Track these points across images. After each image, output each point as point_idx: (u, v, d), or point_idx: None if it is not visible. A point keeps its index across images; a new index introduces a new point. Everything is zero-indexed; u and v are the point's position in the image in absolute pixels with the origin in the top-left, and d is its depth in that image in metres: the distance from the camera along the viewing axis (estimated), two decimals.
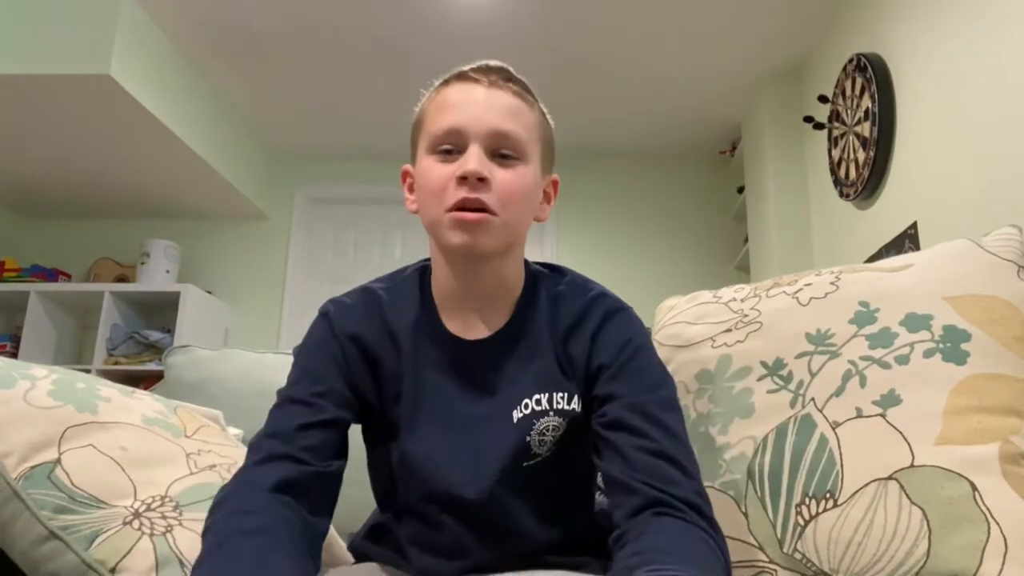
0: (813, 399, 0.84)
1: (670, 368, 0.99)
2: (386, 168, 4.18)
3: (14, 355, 3.68)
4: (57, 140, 3.34)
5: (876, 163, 2.47)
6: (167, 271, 3.85)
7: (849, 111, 2.69)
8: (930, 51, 2.23)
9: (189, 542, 0.76)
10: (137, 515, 0.77)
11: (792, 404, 0.86)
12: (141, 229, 4.19)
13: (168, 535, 0.76)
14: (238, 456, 0.96)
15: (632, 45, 3.21)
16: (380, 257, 4.28)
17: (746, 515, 0.84)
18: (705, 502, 0.72)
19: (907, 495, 0.75)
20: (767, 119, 3.34)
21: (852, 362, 0.84)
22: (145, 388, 1.22)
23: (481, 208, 0.76)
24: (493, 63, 0.83)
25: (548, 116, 0.88)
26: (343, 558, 0.92)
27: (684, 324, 1.02)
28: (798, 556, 0.79)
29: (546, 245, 4.13)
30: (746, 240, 3.66)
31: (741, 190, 3.74)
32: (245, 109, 3.80)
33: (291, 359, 0.85)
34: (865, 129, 2.55)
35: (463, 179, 0.76)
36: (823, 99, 2.84)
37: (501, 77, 0.81)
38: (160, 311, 3.92)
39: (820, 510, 0.79)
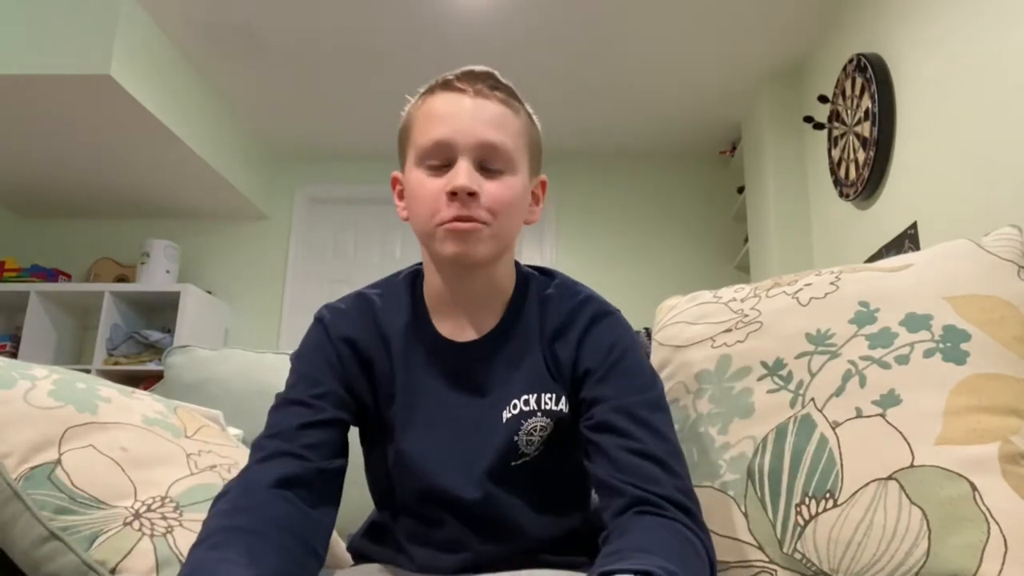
0: (813, 399, 0.84)
1: (670, 368, 0.99)
2: (386, 168, 4.17)
3: (14, 355, 3.68)
4: (57, 140, 3.34)
5: (876, 163, 2.47)
6: (167, 271, 3.85)
7: (849, 111, 2.69)
8: (930, 51, 2.23)
9: (189, 543, 0.76)
10: (137, 516, 0.77)
11: (792, 404, 0.86)
12: (141, 229, 4.19)
13: (168, 536, 0.76)
14: (238, 456, 0.96)
15: (632, 45, 3.21)
16: (380, 257, 4.28)
17: (746, 515, 0.84)
18: (690, 499, 0.73)
19: (907, 495, 0.75)
20: (767, 119, 3.34)
21: (852, 362, 0.84)
22: (145, 388, 1.22)
23: (471, 220, 0.77)
24: (478, 69, 0.83)
25: (534, 118, 0.88)
26: (343, 559, 0.92)
27: (684, 324, 1.02)
28: (798, 556, 0.79)
29: (546, 245, 4.12)
30: (746, 240, 3.66)
31: (741, 190, 3.74)
32: (245, 109, 3.80)
33: (289, 359, 0.86)
34: (865, 129, 2.55)
35: (453, 195, 0.77)
36: (823, 99, 2.84)
37: (487, 85, 0.81)
38: (160, 311, 3.92)
39: (820, 510, 0.79)
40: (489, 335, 0.86)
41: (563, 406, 0.83)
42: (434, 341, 0.86)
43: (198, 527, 0.71)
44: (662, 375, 0.95)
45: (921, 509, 0.74)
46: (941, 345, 0.81)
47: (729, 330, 0.96)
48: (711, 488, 0.87)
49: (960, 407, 0.78)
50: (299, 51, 3.29)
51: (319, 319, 0.88)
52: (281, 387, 0.83)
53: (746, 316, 0.96)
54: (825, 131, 2.90)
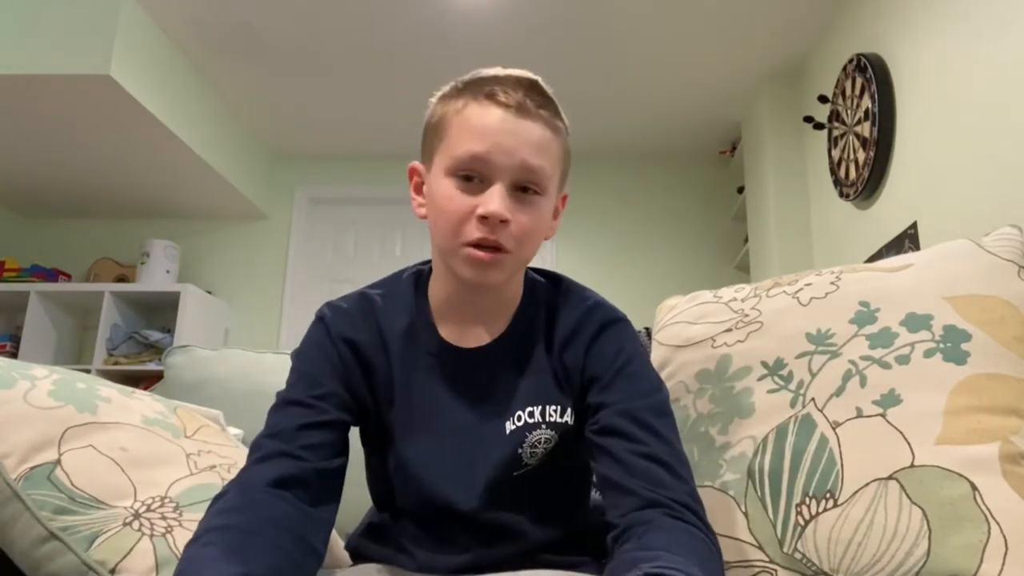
0: (813, 399, 0.84)
1: (670, 368, 0.99)
2: (386, 168, 4.18)
3: (14, 355, 3.68)
4: (57, 140, 3.34)
5: (876, 163, 2.47)
6: (167, 271, 3.85)
7: (849, 111, 2.69)
8: (930, 51, 2.23)
9: (183, 547, 0.76)
10: (137, 516, 0.77)
11: (792, 404, 0.86)
12: (141, 229, 4.19)
13: (168, 536, 0.76)
14: (238, 456, 0.96)
15: (632, 45, 3.21)
16: (380, 257, 4.28)
17: (746, 515, 0.84)
18: (698, 503, 0.73)
19: (907, 495, 0.75)
20: (767, 119, 3.34)
21: (852, 362, 0.84)
22: (145, 388, 1.22)
23: (497, 247, 0.76)
24: (523, 76, 0.79)
25: (569, 130, 0.84)
26: (342, 559, 0.92)
27: (684, 324, 1.02)
28: (798, 556, 0.79)
29: (546, 245, 4.12)
30: (746, 240, 3.66)
31: (741, 190, 3.74)
32: (245, 109, 3.80)
33: (290, 357, 0.86)
34: (865, 129, 2.55)
35: (484, 218, 0.75)
36: (823, 99, 2.84)
37: (533, 102, 0.77)
38: (160, 311, 3.92)
39: (820, 510, 0.79)
40: (494, 343, 0.84)
41: (568, 418, 0.82)
42: (437, 345, 0.85)
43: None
44: (662, 375, 0.95)
45: (921, 509, 0.73)
46: (941, 345, 0.81)
47: (729, 330, 0.96)
48: (711, 488, 0.87)
49: (960, 407, 0.77)
50: (299, 51, 3.29)
51: (320, 318, 0.86)
52: (281, 387, 0.83)
53: (746, 316, 0.96)
54: (825, 131, 2.90)
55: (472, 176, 0.76)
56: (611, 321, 0.84)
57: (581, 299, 0.86)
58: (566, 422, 0.82)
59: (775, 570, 0.81)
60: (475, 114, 0.77)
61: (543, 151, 0.77)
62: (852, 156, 2.66)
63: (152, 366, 3.62)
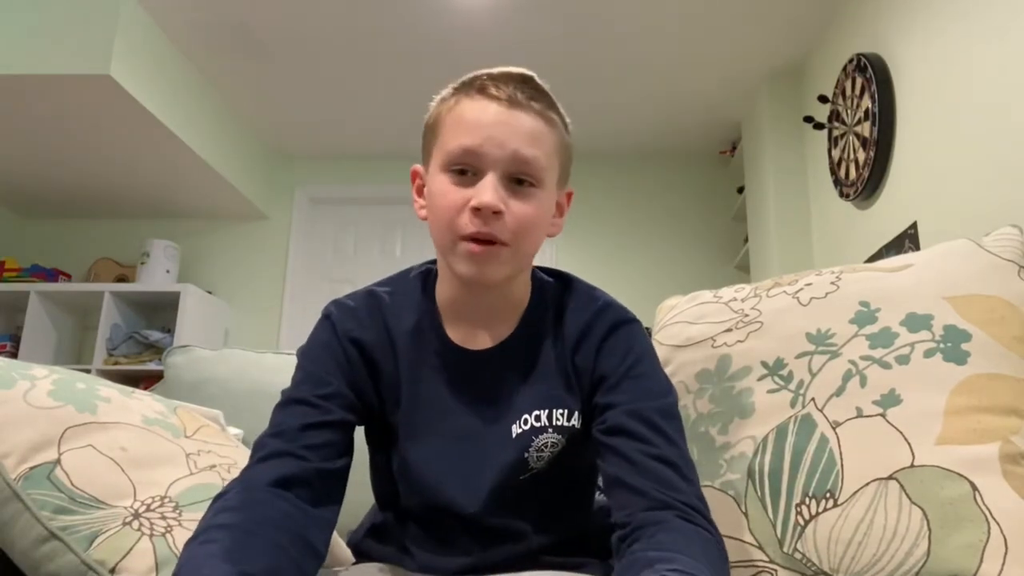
0: (813, 399, 0.84)
1: (670, 368, 0.99)
2: (386, 168, 4.18)
3: (14, 355, 3.68)
4: (57, 140, 3.34)
5: (876, 163, 2.47)
6: (167, 271, 3.85)
7: (849, 111, 2.69)
8: (930, 51, 2.23)
9: (183, 545, 0.76)
10: (137, 515, 0.77)
11: (792, 404, 0.86)
12: (141, 229, 4.19)
13: (168, 535, 0.76)
14: (238, 456, 0.96)
15: (632, 45, 3.20)
16: (380, 257, 4.28)
17: (746, 515, 0.84)
18: (706, 507, 0.73)
19: (907, 495, 0.75)
20: (767, 119, 3.34)
21: (852, 362, 0.84)
22: (145, 388, 1.22)
23: (492, 240, 0.75)
24: (515, 71, 0.79)
25: (569, 126, 0.83)
26: (343, 558, 0.92)
27: (684, 324, 1.02)
28: (798, 556, 0.79)
29: (546, 245, 4.10)
30: (746, 240, 3.66)
31: (741, 190, 3.74)
32: (245, 109, 3.80)
33: (292, 359, 0.85)
34: (865, 129, 2.55)
35: (477, 210, 0.74)
36: (823, 99, 2.84)
37: (524, 94, 0.77)
38: (160, 311, 3.92)
39: (820, 510, 0.79)
40: (502, 344, 0.84)
41: (575, 422, 0.82)
42: (444, 347, 0.84)
43: None
44: None
45: (921, 509, 0.73)
46: (942, 345, 0.81)
47: (729, 330, 0.96)
48: (712, 488, 0.87)
49: (960, 407, 0.77)
50: (299, 51, 3.29)
51: (327, 315, 0.85)
52: (281, 386, 0.83)
53: (746, 316, 0.96)
54: (825, 131, 2.90)
55: (466, 169, 0.76)
56: (622, 322, 0.83)
57: (591, 300, 0.86)
58: (573, 426, 0.82)
59: (775, 570, 0.81)
60: (467, 109, 0.77)
61: (536, 142, 0.77)
62: (852, 156, 2.66)
63: (152, 366, 3.61)
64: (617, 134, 3.98)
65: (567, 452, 0.82)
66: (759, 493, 0.83)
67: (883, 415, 0.80)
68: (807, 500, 0.80)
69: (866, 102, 2.54)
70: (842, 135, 2.75)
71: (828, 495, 0.79)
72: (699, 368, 0.96)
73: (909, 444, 0.77)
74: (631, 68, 3.38)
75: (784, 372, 0.88)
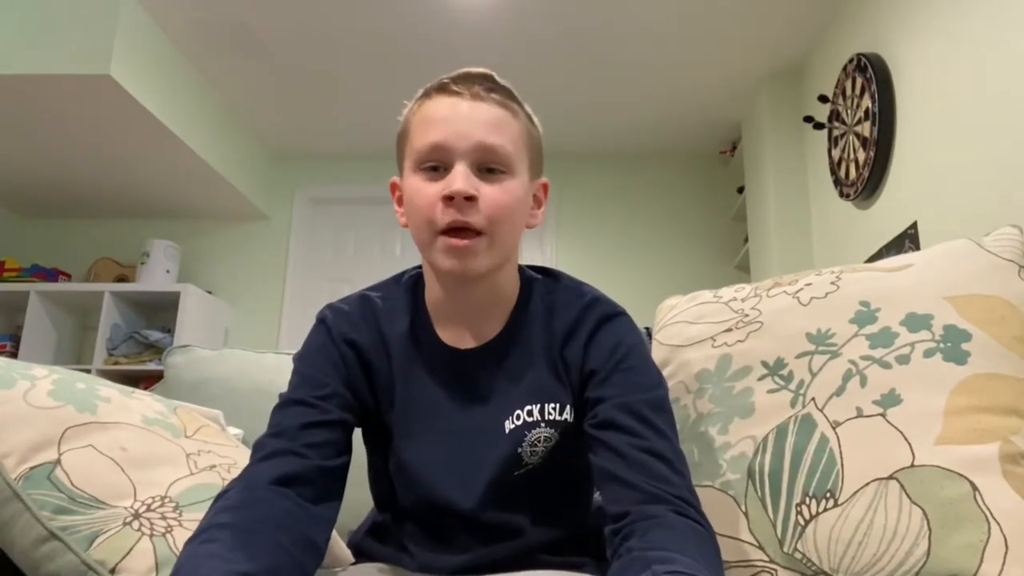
0: (813, 399, 0.84)
1: (670, 368, 0.99)
2: (386, 168, 4.15)
3: (14, 355, 3.68)
4: (57, 140, 3.34)
5: (876, 163, 2.47)
6: (167, 271, 3.85)
7: (849, 111, 2.69)
8: (930, 51, 2.23)
9: (183, 544, 0.76)
10: (137, 515, 0.77)
11: (792, 404, 0.86)
12: (141, 229, 4.19)
13: (168, 535, 0.76)
14: (238, 456, 0.96)
15: (632, 45, 3.20)
16: (380, 257, 4.28)
17: (746, 515, 0.84)
18: (697, 500, 0.74)
19: (907, 495, 0.75)
20: (767, 119, 3.34)
21: (852, 362, 0.84)
22: (145, 388, 1.22)
23: (469, 228, 0.76)
24: (475, 71, 0.82)
25: (535, 120, 0.86)
26: (343, 558, 0.92)
27: (684, 324, 1.02)
28: (798, 556, 0.79)
29: (546, 245, 4.12)
30: (746, 240, 3.66)
31: (741, 190, 3.74)
32: (245, 109, 3.80)
33: (291, 359, 0.86)
34: (865, 129, 2.55)
35: (450, 199, 0.75)
36: (823, 99, 2.84)
37: (484, 88, 0.80)
38: (160, 311, 3.92)
39: (820, 510, 0.79)
40: (491, 343, 0.85)
41: (568, 415, 0.82)
42: (435, 348, 0.85)
43: None
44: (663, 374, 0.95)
45: (921, 509, 0.73)
46: (942, 345, 0.81)
47: (729, 330, 0.96)
48: (712, 488, 0.87)
49: (960, 407, 0.77)
50: (299, 51, 3.29)
51: (321, 320, 0.87)
52: (281, 386, 0.83)
53: (746, 316, 0.96)
54: (825, 131, 2.90)
55: (437, 165, 0.78)
56: (610, 315, 0.84)
57: (579, 294, 0.86)
58: (565, 419, 0.82)
59: (775, 570, 0.81)
60: (430, 108, 0.80)
61: (498, 129, 0.78)
62: (852, 156, 2.66)
63: (152, 366, 3.61)
64: (617, 134, 3.98)
65: (561, 447, 0.83)
66: (759, 493, 0.83)
67: (883, 415, 0.80)
68: (807, 500, 0.80)
69: (866, 102, 2.54)
70: (842, 135, 2.75)
71: (828, 495, 0.79)
72: (699, 368, 0.96)
73: (909, 444, 0.77)
74: (631, 68, 3.38)
75: (784, 372, 0.88)
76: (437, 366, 0.85)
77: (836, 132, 2.81)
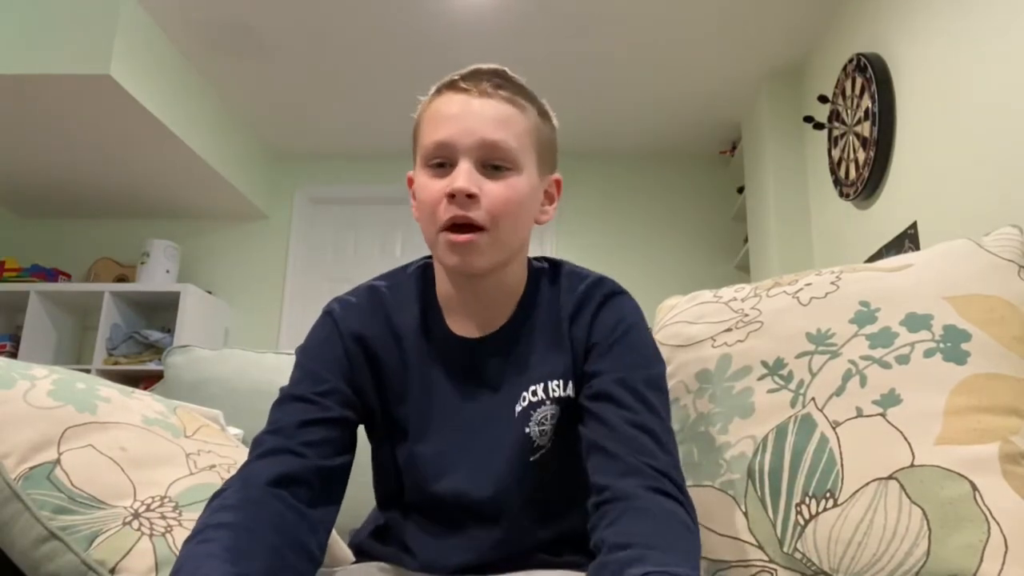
0: (813, 399, 0.84)
1: (670, 368, 0.99)
2: (386, 168, 4.18)
3: (14, 355, 3.68)
4: (57, 140, 3.34)
5: (876, 163, 2.47)
6: (167, 271, 3.85)
7: (849, 111, 2.69)
8: (930, 51, 2.23)
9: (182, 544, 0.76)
10: (137, 515, 0.77)
11: (792, 404, 0.86)
12: (141, 229, 4.19)
13: (168, 535, 0.76)
14: (238, 456, 0.96)
15: (632, 45, 3.20)
16: (380, 257, 4.28)
17: (746, 515, 0.84)
18: (680, 476, 0.74)
19: (907, 495, 0.75)
20: (767, 119, 3.34)
21: (852, 362, 0.84)
22: (145, 388, 1.22)
23: (470, 224, 0.77)
24: (486, 67, 0.82)
25: (550, 115, 0.87)
26: (343, 558, 0.92)
27: (684, 323, 1.02)
28: (798, 555, 0.79)
29: (546, 244, 4.13)
30: (746, 240, 3.66)
31: (741, 190, 3.74)
32: (245, 109, 3.80)
33: (291, 359, 0.86)
34: (865, 129, 2.55)
35: (452, 196, 0.76)
36: (823, 99, 2.84)
37: (492, 84, 0.80)
38: (160, 311, 3.92)
39: (820, 510, 0.79)
40: (500, 331, 0.85)
41: (569, 391, 0.83)
42: (446, 338, 0.85)
43: None
44: None
45: (921, 509, 0.73)
46: (941, 345, 0.81)
47: (729, 330, 0.96)
48: (712, 488, 0.87)
49: (960, 407, 0.77)
50: (299, 51, 3.29)
51: (328, 312, 0.86)
52: (281, 386, 0.83)
53: (746, 316, 0.96)
54: (825, 131, 2.90)
55: (443, 162, 0.79)
56: (614, 292, 0.86)
57: (583, 276, 0.88)
58: (568, 395, 0.83)
59: (775, 570, 0.81)
60: (438, 105, 0.81)
61: (503, 125, 0.79)
62: (852, 156, 2.66)
63: (152, 366, 3.61)
64: (617, 134, 3.98)
65: (564, 424, 0.83)
66: (759, 493, 0.83)
67: (883, 415, 0.80)
68: (807, 500, 0.80)
69: (866, 102, 2.54)
70: (842, 135, 2.75)
71: (828, 495, 0.79)
72: (699, 368, 0.96)
73: (909, 444, 0.77)
74: (631, 68, 3.38)
75: (784, 372, 0.88)
76: (448, 357, 0.85)
77: (836, 132, 2.81)
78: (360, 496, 0.93)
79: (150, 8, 3.00)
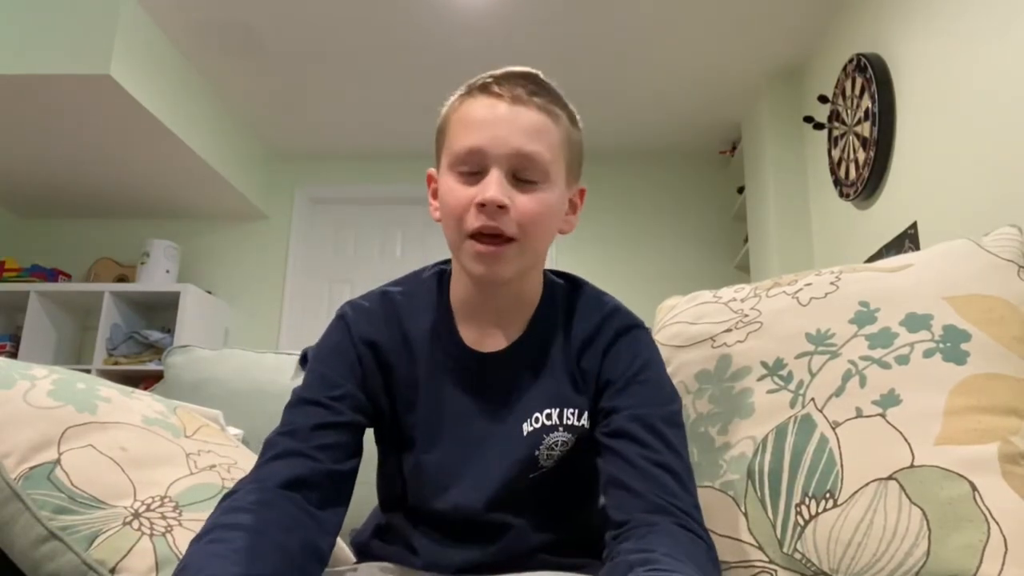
0: (813, 399, 0.84)
1: (670, 368, 0.99)
2: (386, 168, 4.18)
3: (14, 355, 3.68)
4: (57, 140, 3.34)
5: (876, 163, 2.47)
6: (167, 271, 3.85)
7: (849, 111, 2.69)
8: (930, 51, 2.23)
9: (189, 542, 0.76)
10: (137, 515, 0.77)
11: (792, 404, 0.86)
12: (141, 229, 4.19)
13: (168, 535, 0.76)
14: (238, 456, 0.96)
15: (632, 46, 3.20)
16: (380, 257, 4.28)
17: (746, 515, 0.84)
18: (700, 515, 0.74)
19: (907, 495, 0.75)
20: (767, 119, 3.34)
21: (852, 362, 0.84)
22: (145, 388, 1.22)
23: (500, 234, 0.76)
24: (519, 70, 0.80)
25: (578, 121, 0.85)
26: (343, 558, 0.92)
27: (684, 324, 1.02)
28: (798, 556, 0.79)
29: None
30: (746, 240, 3.66)
31: (741, 190, 3.74)
32: (245, 109, 3.80)
33: (291, 359, 0.86)
34: (865, 129, 2.55)
35: (482, 205, 0.75)
36: (823, 99, 2.84)
37: (526, 90, 0.78)
38: (160, 311, 3.92)
39: (820, 510, 0.79)
40: (513, 346, 0.85)
41: (585, 421, 0.83)
42: (458, 349, 0.85)
43: (197, 527, 0.70)
44: None
45: (921, 509, 0.73)
46: (941, 345, 0.81)
47: (729, 330, 0.96)
48: (711, 488, 0.87)
49: (960, 407, 0.77)
50: (299, 51, 3.29)
51: (341, 316, 0.86)
52: (282, 386, 0.83)
53: (746, 316, 0.96)
54: (825, 131, 2.90)
55: (472, 169, 0.77)
56: (629, 327, 0.85)
57: (600, 304, 0.87)
58: (583, 425, 0.83)
59: (775, 570, 0.81)
60: (471, 108, 0.79)
61: (538, 137, 0.77)
62: (852, 156, 2.66)
63: (152, 366, 3.61)
64: (617, 134, 3.98)
65: (575, 452, 0.83)
66: (759, 493, 0.83)
67: (883, 415, 0.79)
68: (807, 500, 0.80)
69: (866, 102, 2.54)
70: (842, 135, 2.75)
71: (828, 495, 0.79)
72: (699, 368, 0.96)
73: (909, 444, 0.77)
74: (631, 68, 3.38)
75: (784, 372, 0.88)
76: (459, 368, 0.85)
77: (836, 132, 2.81)
78: (361, 495, 0.93)
79: (150, 8, 3.00)
